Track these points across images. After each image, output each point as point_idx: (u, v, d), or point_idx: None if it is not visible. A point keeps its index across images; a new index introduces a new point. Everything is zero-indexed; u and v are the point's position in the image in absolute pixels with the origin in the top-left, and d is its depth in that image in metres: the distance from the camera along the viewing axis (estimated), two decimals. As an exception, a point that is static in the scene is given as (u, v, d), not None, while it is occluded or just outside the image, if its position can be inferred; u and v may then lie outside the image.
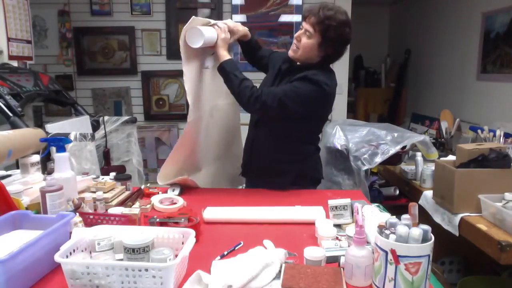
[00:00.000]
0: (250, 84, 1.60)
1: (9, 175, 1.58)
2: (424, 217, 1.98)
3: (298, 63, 1.69)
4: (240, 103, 1.64)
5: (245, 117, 1.88)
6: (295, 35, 1.63)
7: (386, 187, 2.60)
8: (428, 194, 2.11)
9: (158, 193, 1.61)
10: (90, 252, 1.00)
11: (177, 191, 1.63)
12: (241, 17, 3.36)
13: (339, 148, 2.30)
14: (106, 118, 2.28)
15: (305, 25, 1.58)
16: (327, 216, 1.32)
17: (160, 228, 1.10)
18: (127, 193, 1.56)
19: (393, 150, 2.21)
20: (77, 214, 1.18)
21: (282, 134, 1.71)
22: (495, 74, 3.09)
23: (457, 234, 1.81)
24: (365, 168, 2.17)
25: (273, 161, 1.74)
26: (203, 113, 1.72)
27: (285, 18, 3.36)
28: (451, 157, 2.18)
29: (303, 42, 1.59)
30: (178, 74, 3.42)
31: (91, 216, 1.23)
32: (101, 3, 3.32)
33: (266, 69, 1.90)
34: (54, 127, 1.92)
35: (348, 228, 1.17)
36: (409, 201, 1.65)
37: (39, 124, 2.97)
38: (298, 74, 1.61)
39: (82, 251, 0.98)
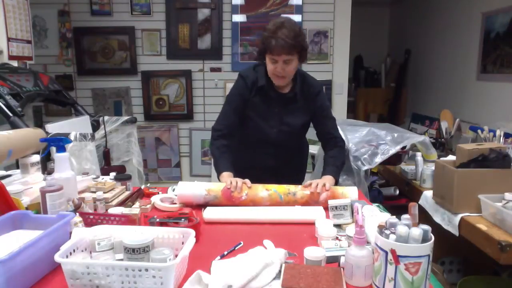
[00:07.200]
0: None
1: (9, 175, 1.58)
2: (424, 217, 1.98)
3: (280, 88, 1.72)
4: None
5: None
6: (277, 70, 1.59)
7: (386, 187, 2.60)
8: (428, 194, 2.11)
9: (158, 193, 1.62)
10: (90, 252, 1.00)
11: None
12: (241, 17, 3.36)
13: (339, 148, 2.30)
14: (106, 118, 2.28)
15: (281, 58, 1.56)
16: (327, 216, 1.32)
17: (160, 228, 1.10)
18: (127, 193, 1.55)
19: (393, 150, 2.21)
20: (77, 214, 1.18)
21: (302, 139, 1.91)
22: (495, 74, 3.09)
23: (457, 234, 1.81)
24: (365, 168, 2.17)
25: (294, 164, 1.89)
26: None
27: (285, 18, 3.36)
28: (451, 157, 2.18)
29: (288, 70, 1.60)
30: (178, 74, 3.43)
31: (91, 216, 1.23)
32: (101, 3, 3.32)
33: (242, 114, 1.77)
34: (54, 127, 1.92)
35: (348, 228, 1.17)
36: (409, 201, 1.64)
37: (39, 124, 2.98)
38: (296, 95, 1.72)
39: (82, 251, 0.98)
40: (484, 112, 3.19)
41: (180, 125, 3.53)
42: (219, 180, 1.62)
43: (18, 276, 0.88)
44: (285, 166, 1.82)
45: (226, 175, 1.60)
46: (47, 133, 1.81)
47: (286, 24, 1.56)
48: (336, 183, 1.65)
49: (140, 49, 3.40)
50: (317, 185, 1.50)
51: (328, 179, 1.59)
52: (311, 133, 1.86)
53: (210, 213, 1.38)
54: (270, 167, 1.79)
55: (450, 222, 1.86)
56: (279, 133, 1.74)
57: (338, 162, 1.73)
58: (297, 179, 1.85)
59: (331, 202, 1.32)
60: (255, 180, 1.54)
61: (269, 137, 1.75)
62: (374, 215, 1.18)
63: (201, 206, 1.46)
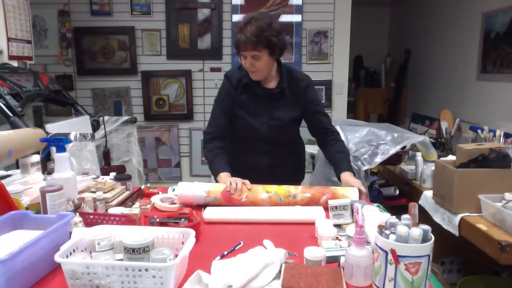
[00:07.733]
0: None
1: (9, 175, 1.59)
2: (424, 217, 1.98)
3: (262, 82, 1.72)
4: None
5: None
6: (246, 65, 1.61)
7: (386, 187, 2.60)
8: (428, 194, 2.11)
9: (158, 193, 1.62)
10: (90, 252, 1.00)
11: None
12: (241, 17, 3.35)
13: (339, 148, 2.30)
14: (106, 118, 2.28)
15: (248, 53, 1.57)
16: (327, 216, 1.33)
17: (160, 228, 1.10)
18: (127, 193, 1.56)
19: (393, 150, 2.21)
20: (77, 214, 1.18)
21: (295, 136, 1.86)
22: (495, 74, 3.09)
23: (457, 234, 1.81)
24: (365, 168, 2.17)
25: (290, 164, 1.86)
26: None
27: (285, 18, 3.36)
28: (451, 157, 2.18)
29: (258, 66, 1.60)
30: (178, 74, 3.43)
31: (91, 216, 1.23)
32: (101, 3, 3.32)
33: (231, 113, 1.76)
34: (54, 127, 1.92)
35: (348, 228, 1.17)
36: (409, 201, 1.64)
37: (39, 124, 2.98)
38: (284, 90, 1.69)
39: (82, 251, 0.98)
40: (484, 112, 3.19)
41: (180, 125, 3.53)
42: (217, 182, 1.61)
43: (18, 276, 0.88)
44: (281, 166, 1.80)
45: (224, 176, 1.59)
46: (47, 133, 1.81)
47: (253, 19, 1.55)
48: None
49: (140, 49, 3.40)
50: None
51: (351, 176, 1.61)
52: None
53: (210, 213, 1.38)
54: (265, 166, 1.77)
55: (450, 222, 1.86)
56: (269, 128, 1.72)
57: (348, 156, 1.74)
58: (295, 179, 1.84)
59: (331, 202, 1.32)
60: (252, 181, 1.54)
61: (261, 134, 1.73)
62: (374, 215, 1.18)
63: (201, 206, 1.46)
